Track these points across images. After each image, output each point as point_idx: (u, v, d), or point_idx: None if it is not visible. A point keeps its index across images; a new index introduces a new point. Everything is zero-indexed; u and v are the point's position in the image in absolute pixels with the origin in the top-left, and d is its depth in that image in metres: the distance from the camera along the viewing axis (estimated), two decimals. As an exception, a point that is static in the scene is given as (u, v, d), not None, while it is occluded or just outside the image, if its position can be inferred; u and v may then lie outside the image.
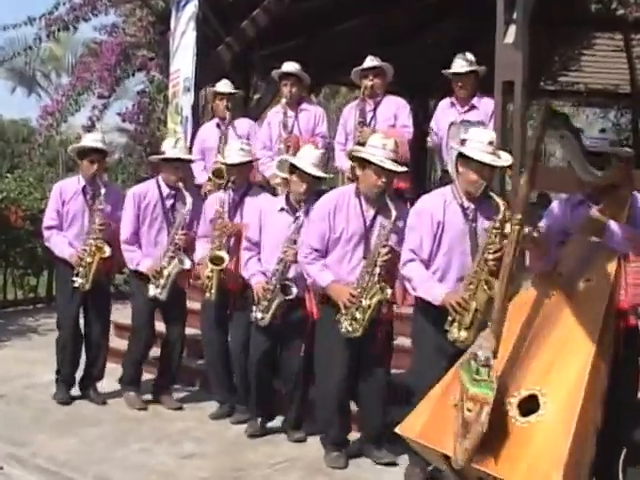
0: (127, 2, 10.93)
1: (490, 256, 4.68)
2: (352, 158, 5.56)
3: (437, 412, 4.16)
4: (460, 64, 7.08)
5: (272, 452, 5.80)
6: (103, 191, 6.71)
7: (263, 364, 5.93)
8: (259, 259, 5.93)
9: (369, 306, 5.13)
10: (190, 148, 8.34)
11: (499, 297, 4.00)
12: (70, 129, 21.36)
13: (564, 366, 3.98)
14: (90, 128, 13.09)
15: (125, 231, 6.66)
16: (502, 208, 4.74)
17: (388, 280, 5.21)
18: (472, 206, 4.94)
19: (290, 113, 7.74)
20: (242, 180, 6.44)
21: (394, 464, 5.46)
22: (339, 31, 11.07)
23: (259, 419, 6.08)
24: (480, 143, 4.87)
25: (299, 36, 10.91)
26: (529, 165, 4.00)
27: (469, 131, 5.12)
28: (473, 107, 7.05)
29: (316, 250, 5.37)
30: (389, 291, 5.13)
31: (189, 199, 6.53)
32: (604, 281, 4.19)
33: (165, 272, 6.50)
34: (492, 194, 4.87)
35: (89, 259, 6.64)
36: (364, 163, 5.31)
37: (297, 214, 5.73)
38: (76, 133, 13.55)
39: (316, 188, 5.87)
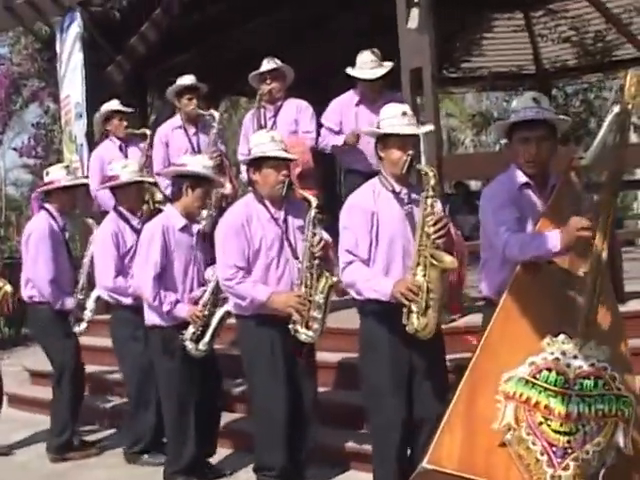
0: (5, 30, 10.40)
1: (431, 229, 4.33)
2: (248, 165, 5.18)
3: (471, 440, 3.64)
4: (370, 66, 6.69)
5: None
6: None
7: (199, 404, 5.49)
8: (166, 287, 5.46)
9: (325, 299, 4.80)
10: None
11: (589, 298, 3.69)
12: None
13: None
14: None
15: (48, 271, 6.21)
16: (431, 174, 4.42)
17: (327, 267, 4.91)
18: (404, 190, 4.62)
19: (191, 130, 7.39)
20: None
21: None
22: (233, 39, 10.72)
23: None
24: (393, 118, 4.57)
25: (192, 49, 10.54)
26: (619, 137, 3.80)
27: (380, 112, 4.76)
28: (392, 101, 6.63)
29: (241, 268, 4.95)
30: (335, 277, 4.80)
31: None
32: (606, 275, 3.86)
33: (87, 305, 6.22)
34: (419, 165, 4.57)
35: None
36: (260, 163, 5.00)
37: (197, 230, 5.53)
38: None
39: None
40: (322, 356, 5.50)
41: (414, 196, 4.59)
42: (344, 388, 6.10)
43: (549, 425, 3.51)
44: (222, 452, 5.93)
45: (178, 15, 8.84)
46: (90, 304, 6.23)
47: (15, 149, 11.84)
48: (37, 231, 6.30)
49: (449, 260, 4.29)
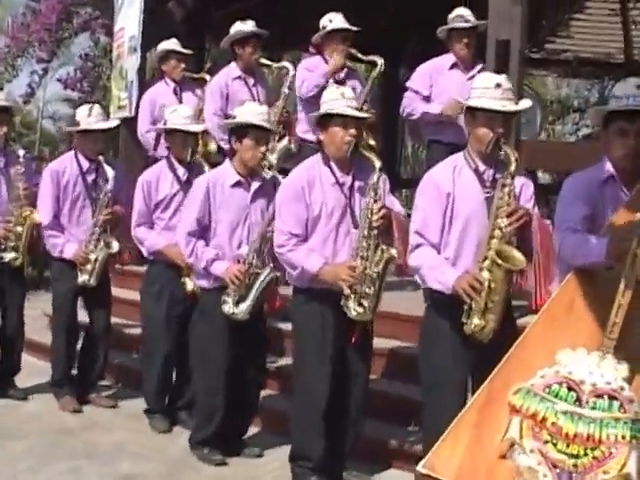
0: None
1: (505, 221, 3.88)
2: (316, 124, 4.78)
3: (475, 450, 3.29)
4: (460, 20, 6.43)
5: (226, 473, 5.03)
6: (22, 153, 6.16)
7: (235, 374, 5.16)
8: (207, 244, 5.15)
9: (378, 274, 4.44)
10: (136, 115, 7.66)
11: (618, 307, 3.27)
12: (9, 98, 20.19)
13: None
14: (30, 96, 12.36)
15: (45, 214, 5.97)
16: (513, 158, 3.94)
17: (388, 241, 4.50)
18: (490, 171, 4.11)
19: (250, 81, 7.00)
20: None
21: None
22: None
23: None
24: (485, 89, 4.06)
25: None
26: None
27: (474, 80, 4.30)
28: (484, 70, 6.02)
29: (296, 235, 4.57)
30: (393, 251, 4.41)
31: (110, 173, 5.90)
32: None
33: (92, 257, 5.91)
34: (504, 146, 4.06)
35: (19, 228, 6.00)
36: (327, 121, 4.59)
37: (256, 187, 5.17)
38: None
39: None
40: (376, 342, 5.00)
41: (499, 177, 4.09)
42: (396, 379, 5.71)
43: (555, 445, 3.17)
44: (252, 430, 5.57)
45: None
46: (98, 253, 5.88)
47: (60, 80, 11.42)
48: (45, 172, 6.11)
49: (517, 258, 3.83)
